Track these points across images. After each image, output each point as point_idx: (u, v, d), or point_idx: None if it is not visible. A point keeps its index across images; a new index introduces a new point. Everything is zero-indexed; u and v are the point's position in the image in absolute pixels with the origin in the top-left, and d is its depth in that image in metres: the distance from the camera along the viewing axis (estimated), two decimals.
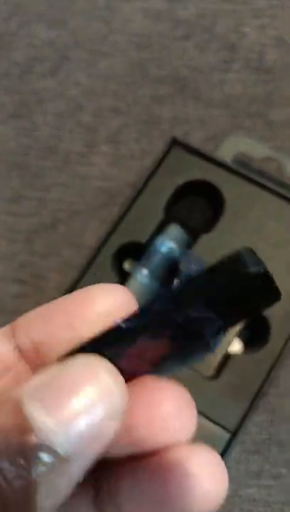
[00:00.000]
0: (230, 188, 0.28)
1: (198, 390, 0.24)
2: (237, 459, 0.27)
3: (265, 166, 0.33)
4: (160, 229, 0.28)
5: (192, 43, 0.39)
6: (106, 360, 0.10)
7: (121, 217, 0.28)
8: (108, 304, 0.12)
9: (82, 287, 0.14)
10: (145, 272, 0.25)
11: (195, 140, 0.35)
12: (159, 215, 0.28)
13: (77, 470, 0.09)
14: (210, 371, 0.25)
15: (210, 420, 0.24)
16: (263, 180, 0.28)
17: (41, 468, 0.09)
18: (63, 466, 0.09)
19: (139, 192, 0.28)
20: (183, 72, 0.38)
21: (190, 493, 0.11)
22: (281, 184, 0.30)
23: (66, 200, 0.34)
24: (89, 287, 0.13)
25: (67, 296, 0.13)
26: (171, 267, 0.26)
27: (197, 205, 0.28)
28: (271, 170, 0.33)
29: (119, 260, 0.27)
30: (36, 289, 0.32)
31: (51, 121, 0.37)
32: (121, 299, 0.13)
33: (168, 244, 0.26)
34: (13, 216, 0.34)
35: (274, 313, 0.25)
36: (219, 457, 0.12)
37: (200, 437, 0.24)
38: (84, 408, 0.09)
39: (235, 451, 0.27)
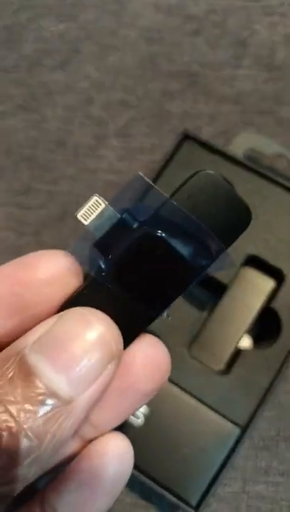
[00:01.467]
0: (241, 182, 0.28)
1: (209, 384, 0.24)
2: (245, 455, 0.27)
3: (275, 162, 0.33)
4: None
5: (203, 38, 0.39)
6: (98, 311, 0.11)
7: None
8: (50, 269, 0.13)
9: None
10: None
11: (205, 135, 0.35)
12: None
13: (79, 411, 0.10)
14: (221, 366, 0.25)
15: (221, 415, 0.24)
16: (274, 176, 0.28)
17: (46, 411, 0.10)
18: (66, 408, 0.10)
19: None
20: (194, 68, 0.38)
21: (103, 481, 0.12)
22: None
23: (75, 192, 0.34)
24: (31, 254, 0.13)
25: (9, 263, 0.13)
26: None
27: None
28: (280, 166, 0.33)
29: None
30: None
31: (60, 114, 0.37)
32: (63, 265, 0.13)
33: None
34: (21, 208, 0.34)
35: (284, 309, 0.25)
36: (127, 443, 0.13)
37: (210, 432, 0.24)
38: (81, 354, 0.10)
39: (243, 447, 0.27)
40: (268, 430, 0.27)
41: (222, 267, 0.13)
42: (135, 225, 0.13)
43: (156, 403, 0.24)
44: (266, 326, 0.26)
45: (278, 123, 0.35)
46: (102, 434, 0.13)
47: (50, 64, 0.39)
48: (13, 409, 0.09)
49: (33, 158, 0.35)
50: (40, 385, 0.10)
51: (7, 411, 0.09)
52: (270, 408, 0.27)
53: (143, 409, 0.24)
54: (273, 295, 0.25)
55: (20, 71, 0.39)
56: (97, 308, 0.12)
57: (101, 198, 0.13)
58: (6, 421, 0.09)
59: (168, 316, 0.13)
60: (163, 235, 0.12)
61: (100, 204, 0.13)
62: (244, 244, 0.26)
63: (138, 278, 0.12)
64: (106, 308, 0.12)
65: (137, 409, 0.13)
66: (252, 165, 0.28)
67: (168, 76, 0.37)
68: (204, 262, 0.13)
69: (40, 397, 0.10)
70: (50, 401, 0.10)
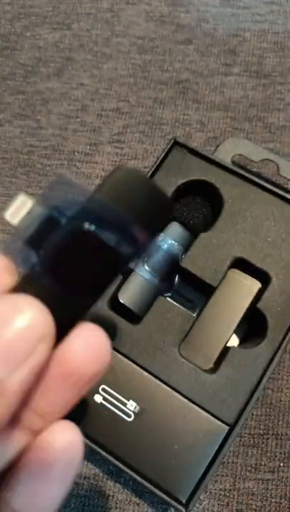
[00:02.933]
0: (229, 188, 0.28)
1: (197, 383, 0.25)
2: (235, 453, 0.28)
3: (263, 167, 0.34)
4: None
5: (194, 46, 0.40)
6: (29, 296, 0.12)
7: None
8: None
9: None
10: (147, 267, 0.26)
11: (196, 141, 0.36)
12: None
13: (11, 393, 0.11)
14: (209, 365, 0.26)
15: (209, 413, 0.25)
16: (261, 181, 0.29)
17: None
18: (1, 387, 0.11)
19: None
20: (185, 75, 0.39)
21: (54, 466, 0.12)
22: (278, 186, 0.31)
23: None
24: None
25: None
26: (171, 264, 0.27)
27: (197, 204, 0.29)
28: (268, 172, 0.34)
29: None
30: None
31: (55, 121, 0.38)
32: None
33: (169, 241, 0.27)
34: None
35: (270, 310, 0.26)
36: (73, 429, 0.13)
37: (199, 430, 0.25)
38: (10, 336, 0.11)
39: (233, 445, 0.28)
40: (257, 428, 0.28)
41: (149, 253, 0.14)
42: (63, 221, 0.13)
43: (146, 401, 0.25)
44: (253, 326, 0.27)
45: (267, 129, 0.36)
46: (50, 424, 0.13)
47: (45, 72, 0.40)
48: None
49: (29, 164, 0.36)
50: None
51: None
52: (259, 406, 0.28)
53: (133, 408, 0.25)
54: (259, 296, 0.26)
55: (17, 79, 0.40)
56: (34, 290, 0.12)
57: (29, 196, 0.14)
58: None
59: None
60: (91, 227, 0.13)
61: (27, 202, 0.14)
62: (232, 247, 0.27)
63: (70, 270, 0.13)
64: (40, 301, 0.12)
65: (81, 395, 0.12)
66: (239, 171, 0.29)
67: (160, 84, 0.38)
68: (130, 251, 0.13)
69: None
70: None
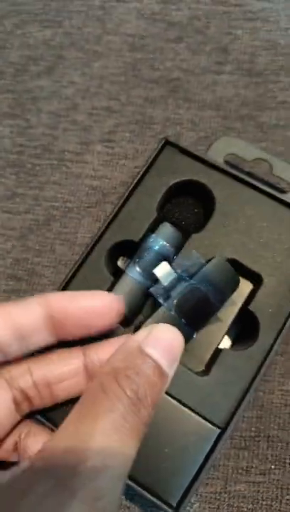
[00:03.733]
0: (221, 188, 0.28)
1: (189, 385, 0.25)
2: (226, 455, 0.27)
3: (255, 167, 0.34)
4: (152, 228, 0.28)
5: (185, 44, 0.39)
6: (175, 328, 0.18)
7: (114, 216, 0.28)
8: (89, 304, 0.20)
9: (75, 284, 0.23)
10: (138, 269, 0.26)
11: (187, 141, 0.36)
12: (152, 214, 0.28)
13: (167, 384, 0.17)
14: (201, 367, 0.25)
15: (200, 416, 0.24)
16: (253, 181, 0.28)
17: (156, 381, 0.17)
18: (165, 380, 0.17)
19: (132, 191, 0.29)
20: (176, 74, 0.38)
21: None
22: (271, 185, 0.31)
23: (60, 197, 0.34)
24: (80, 292, 0.20)
25: (57, 293, 0.20)
26: None
27: (189, 205, 0.28)
28: (261, 171, 0.34)
29: (112, 257, 0.28)
30: (30, 286, 0.32)
31: (46, 120, 0.37)
32: (101, 303, 0.20)
33: (160, 242, 0.27)
34: (7, 213, 0.34)
35: (262, 311, 0.26)
36: None
37: (190, 433, 0.25)
38: (173, 349, 0.17)
39: (224, 447, 0.27)
40: (248, 430, 0.28)
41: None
42: (185, 279, 0.24)
43: None
44: (244, 328, 0.27)
45: (259, 128, 0.36)
46: None
47: (35, 70, 0.39)
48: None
49: (19, 163, 0.36)
50: (151, 363, 0.17)
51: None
52: (250, 408, 0.28)
53: None
54: (251, 297, 0.26)
55: (6, 77, 0.39)
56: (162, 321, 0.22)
57: (168, 264, 0.25)
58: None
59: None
60: (200, 286, 0.24)
61: (167, 267, 0.24)
62: (224, 248, 0.27)
63: (186, 309, 0.23)
64: (167, 322, 0.21)
65: None
66: (232, 171, 0.28)
67: (151, 82, 0.38)
68: (221, 302, 0.25)
69: (153, 370, 0.17)
70: (156, 374, 0.17)
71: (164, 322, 0.20)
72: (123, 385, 0.15)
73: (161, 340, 0.17)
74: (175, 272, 0.24)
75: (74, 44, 0.40)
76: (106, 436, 0.14)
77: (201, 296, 0.24)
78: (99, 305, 0.19)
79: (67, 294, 0.20)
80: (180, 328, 0.18)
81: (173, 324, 0.18)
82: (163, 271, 0.24)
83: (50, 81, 0.39)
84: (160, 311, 0.24)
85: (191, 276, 0.24)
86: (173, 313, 0.24)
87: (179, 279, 0.24)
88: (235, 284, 0.25)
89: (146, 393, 0.16)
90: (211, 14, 0.40)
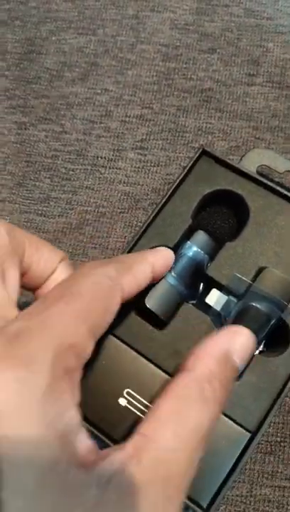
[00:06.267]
0: (255, 198, 0.29)
1: None
2: (252, 459, 0.28)
3: (286, 178, 0.35)
4: (187, 235, 0.29)
5: (218, 55, 0.40)
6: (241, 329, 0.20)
7: (150, 222, 0.29)
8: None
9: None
10: (173, 274, 0.27)
11: (218, 150, 0.37)
12: (186, 222, 0.29)
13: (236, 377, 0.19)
14: None
15: (232, 420, 0.25)
16: (286, 192, 0.29)
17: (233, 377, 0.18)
18: (236, 375, 0.18)
19: (168, 198, 0.29)
20: (208, 84, 0.39)
21: None
22: None
23: (93, 202, 0.35)
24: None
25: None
26: (197, 271, 0.27)
27: (223, 213, 0.29)
28: None
29: None
30: None
31: (80, 126, 0.38)
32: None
33: (195, 249, 0.27)
34: (41, 216, 0.35)
35: None
36: None
37: (221, 436, 0.25)
38: (249, 356, 0.19)
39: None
40: (274, 435, 0.28)
41: (286, 315, 0.26)
42: (235, 300, 0.26)
43: None
44: (276, 336, 0.28)
45: (288, 139, 0.37)
46: None
47: (70, 76, 0.41)
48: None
49: (53, 167, 0.37)
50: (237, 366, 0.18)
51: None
52: (277, 414, 0.29)
53: None
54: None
55: (42, 82, 0.40)
56: None
57: (218, 290, 0.27)
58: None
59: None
60: (252, 303, 0.25)
61: (217, 293, 0.27)
62: (257, 257, 0.27)
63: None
64: None
65: None
66: (266, 181, 0.29)
67: (184, 92, 0.39)
68: (276, 316, 0.25)
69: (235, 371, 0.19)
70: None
71: None
72: (219, 392, 0.17)
73: (246, 351, 0.18)
74: (227, 295, 0.25)
75: (108, 52, 0.41)
76: (195, 443, 0.15)
77: (253, 312, 0.25)
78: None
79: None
80: None
81: None
82: (214, 298, 0.25)
83: (84, 88, 0.40)
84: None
85: (241, 297, 0.25)
86: None
87: (231, 302, 0.25)
88: None
89: (225, 398, 0.17)
90: (243, 27, 0.41)
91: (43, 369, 0.14)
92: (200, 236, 0.28)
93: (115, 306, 0.17)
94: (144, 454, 0.14)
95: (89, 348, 0.16)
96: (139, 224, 0.34)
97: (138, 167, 0.36)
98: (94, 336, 0.16)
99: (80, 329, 0.15)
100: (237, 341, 0.18)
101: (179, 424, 0.15)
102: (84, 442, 0.15)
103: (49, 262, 0.19)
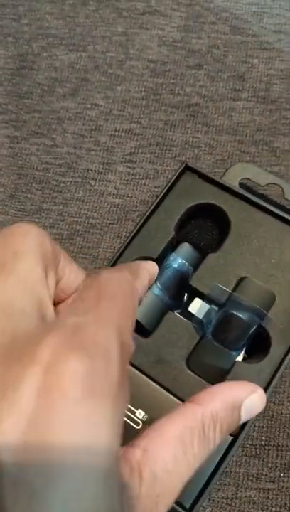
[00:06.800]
0: (236, 211, 0.30)
1: None
2: (237, 462, 0.29)
3: (269, 190, 0.36)
4: (170, 246, 0.30)
5: (205, 71, 0.42)
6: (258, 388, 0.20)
7: (135, 233, 0.30)
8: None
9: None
10: (158, 284, 0.28)
11: (204, 163, 0.38)
12: (170, 234, 0.30)
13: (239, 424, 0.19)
14: (216, 379, 0.27)
15: None
16: (266, 205, 0.30)
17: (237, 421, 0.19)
18: (238, 423, 0.19)
19: (152, 211, 0.31)
20: (195, 99, 0.41)
21: None
22: (283, 208, 0.33)
23: (83, 214, 0.37)
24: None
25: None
26: (181, 282, 0.29)
27: (207, 226, 0.30)
28: (273, 194, 0.36)
29: None
30: None
31: (70, 139, 0.39)
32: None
33: (179, 260, 0.28)
34: None
35: (274, 326, 0.28)
36: None
37: None
38: (253, 414, 0.19)
39: (235, 455, 0.29)
40: (259, 439, 0.29)
41: (265, 323, 0.27)
42: (216, 309, 0.27)
43: (154, 411, 0.26)
44: (257, 342, 0.29)
45: (272, 152, 0.38)
46: None
47: (60, 92, 0.42)
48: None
49: (45, 180, 0.38)
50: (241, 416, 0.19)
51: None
52: (261, 418, 0.30)
53: (142, 416, 0.26)
54: None
55: (33, 97, 0.42)
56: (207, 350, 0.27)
57: (200, 299, 0.29)
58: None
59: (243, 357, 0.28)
60: (233, 311, 0.26)
61: (200, 302, 0.28)
62: (238, 268, 0.29)
63: (223, 336, 0.26)
64: (212, 350, 0.25)
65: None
66: (247, 194, 0.30)
67: (171, 107, 0.40)
68: (256, 324, 0.26)
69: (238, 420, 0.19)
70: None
71: (208, 351, 0.22)
72: (217, 435, 0.17)
73: (254, 409, 0.19)
74: (209, 304, 0.26)
75: (98, 68, 0.43)
76: (188, 472, 0.16)
77: (234, 320, 0.26)
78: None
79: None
80: (221, 354, 0.20)
81: (215, 350, 0.20)
82: (196, 307, 0.26)
83: (75, 103, 0.41)
84: (204, 341, 0.27)
85: (223, 305, 0.26)
86: (214, 343, 0.26)
87: (212, 311, 0.26)
88: (271, 299, 0.27)
89: (219, 441, 0.18)
90: (229, 43, 0.43)
91: (114, 359, 0.13)
92: (185, 248, 0.29)
93: (137, 307, 0.18)
94: (145, 468, 0.15)
95: (133, 345, 0.16)
96: (128, 235, 0.36)
97: (127, 180, 0.38)
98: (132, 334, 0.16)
99: (129, 324, 0.15)
100: (250, 398, 0.19)
101: (179, 451, 0.16)
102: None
103: (77, 278, 0.19)
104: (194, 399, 0.18)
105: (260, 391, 0.19)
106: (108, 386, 0.13)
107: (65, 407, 0.12)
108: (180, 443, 0.16)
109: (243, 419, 0.19)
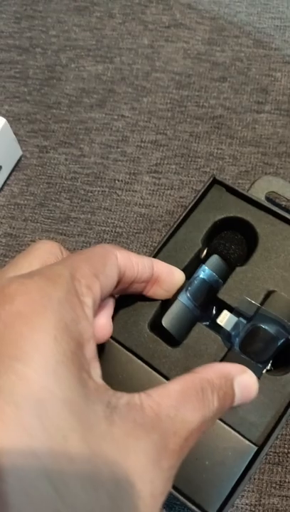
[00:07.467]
0: (263, 225, 0.31)
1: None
2: (261, 470, 0.30)
3: None
4: (197, 258, 0.31)
5: (228, 84, 0.43)
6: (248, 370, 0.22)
7: (163, 245, 0.31)
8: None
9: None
10: (188, 295, 0.29)
11: (228, 175, 0.39)
12: (197, 246, 0.31)
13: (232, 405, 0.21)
14: None
15: (239, 433, 0.27)
16: None
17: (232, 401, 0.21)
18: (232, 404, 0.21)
19: (180, 224, 0.31)
20: (219, 111, 0.41)
21: None
22: None
23: (110, 223, 0.37)
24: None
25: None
26: (210, 293, 0.29)
27: (236, 239, 0.31)
28: None
29: None
30: None
31: (98, 150, 0.40)
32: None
33: (208, 272, 0.29)
34: (62, 235, 0.37)
35: None
36: None
37: (229, 448, 0.27)
38: (248, 399, 0.21)
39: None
40: (282, 447, 0.30)
41: None
42: (244, 322, 0.28)
43: None
44: (283, 356, 0.29)
45: None
46: None
47: (88, 102, 0.43)
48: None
49: (73, 189, 0.39)
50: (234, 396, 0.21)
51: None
52: (284, 427, 0.30)
53: None
54: None
55: (62, 108, 0.43)
56: (234, 361, 0.25)
57: (229, 312, 0.29)
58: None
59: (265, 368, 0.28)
60: (261, 325, 0.27)
61: (228, 314, 0.29)
62: (265, 281, 0.29)
63: (251, 349, 0.27)
64: (239, 362, 0.23)
65: None
66: (274, 208, 0.31)
67: (196, 119, 0.41)
68: (283, 337, 0.27)
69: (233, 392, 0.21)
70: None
71: (235, 363, 0.23)
72: (215, 398, 0.19)
73: (247, 389, 0.21)
74: (237, 317, 0.27)
75: (125, 79, 0.44)
76: (191, 426, 0.18)
77: (261, 333, 0.27)
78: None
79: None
80: (248, 366, 0.22)
81: (242, 362, 0.21)
82: (224, 319, 0.27)
83: (102, 113, 0.42)
84: (232, 353, 0.27)
85: (251, 319, 0.27)
86: (241, 355, 0.27)
87: (240, 324, 0.27)
88: None
89: (216, 411, 0.19)
90: (252, 56, 0.43)
91: (61, 283, 0.18)
92: (215, 260, 0.30)
93: (111, 266, 0.22)
94: (147, 406, 0.17)
95: (95, 286, 0.20)
96: (154, 244, 0.36)
97: (153, 190, 0.38)
98: (98, 279, 0.20)
99: (85, 267, 0.20)
100: (241, 376, 0.21)
101: (180, 401, 0.18)
102: (97, 369, 0.18)
103: (145, 267, 0.25)
104: (191, 371, 0.20)
105: (250, 372, 0.21)
106: (52, 299, 0.18)
107: None
108: (181, 395, 0.18)
109: (238, 397, 0.21)
